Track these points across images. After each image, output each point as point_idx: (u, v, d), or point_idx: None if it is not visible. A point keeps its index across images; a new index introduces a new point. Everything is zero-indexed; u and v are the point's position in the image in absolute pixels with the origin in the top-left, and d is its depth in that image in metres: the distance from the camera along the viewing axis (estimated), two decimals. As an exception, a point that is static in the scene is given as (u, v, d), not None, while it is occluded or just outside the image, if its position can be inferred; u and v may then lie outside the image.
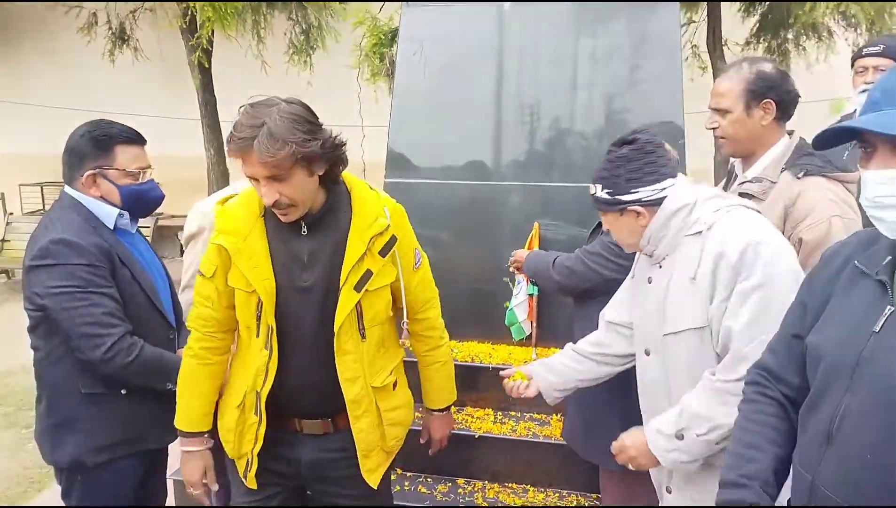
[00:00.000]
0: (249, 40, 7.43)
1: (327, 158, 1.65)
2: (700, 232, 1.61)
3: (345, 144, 1.72)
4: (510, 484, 2.91)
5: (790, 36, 6.52)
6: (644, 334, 1.80)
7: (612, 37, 3.43)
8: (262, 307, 1.70)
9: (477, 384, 3.12)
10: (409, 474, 2.99)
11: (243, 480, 1.85)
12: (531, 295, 3.09)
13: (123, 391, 1.97)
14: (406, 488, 2.90)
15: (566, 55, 3.47)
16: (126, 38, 8.53)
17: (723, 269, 1.54)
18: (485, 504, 2.78)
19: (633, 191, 1.65)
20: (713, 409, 1.53)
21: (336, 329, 1.71)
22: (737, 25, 6.91)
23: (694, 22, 7.01)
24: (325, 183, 1.72)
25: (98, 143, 1.91)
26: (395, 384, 1.91)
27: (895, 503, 1.03)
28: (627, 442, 1.73)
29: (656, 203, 1.65)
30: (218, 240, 1.72)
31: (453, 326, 3.35)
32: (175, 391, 1.90)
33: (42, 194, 9.74)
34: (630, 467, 1.76)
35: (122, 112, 2.31)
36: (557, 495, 2.85)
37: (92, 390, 1.93)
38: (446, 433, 2.14)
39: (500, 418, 3.06)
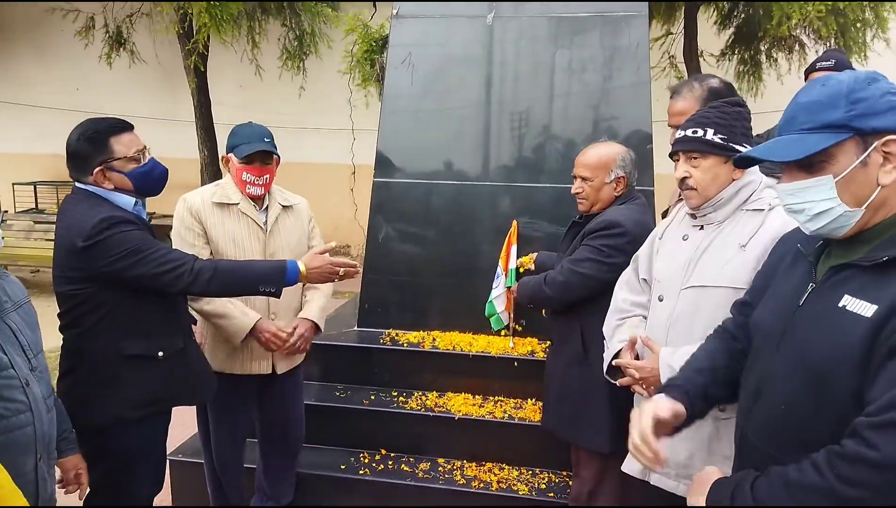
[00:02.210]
0: (244, 45, 7.63)
1: None
2: (762, 209, 1.79)
3: None
4: (487, 463, 3.13)
5: (763, 48, 6.80)
6: (663, 283, 1.94)
7: (586, 49, 3.68)
8: None
9: (458, 370, 3.34)
10: (392, 454, 3.20)
11: None
12: (509, 288, 3.30)
13: (161, 354, 2.13)
14: (390, 467, 3.11)
15: (544, 66, 3.72)
16: (123, 41, 8.72)
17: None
18: (462, 482, 2.99)
19: (743, 145, 1.79)
20: None
21: None
22: (712, 37, 7.20)
23: (671, 34, 7.31)
24: None
25: (93, 141, 2.07)
26: None
27: (803, 445, 1.23)
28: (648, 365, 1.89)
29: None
30: None
31: (436, 317, 3.61)
32: (271, 291, 2.12)
33: (35, 193, 9.90)
34: (635, 376, 1.92)
35: (118, 114, 2.47)
36: (531, 472, 3.07)
37: (133, 352, 2.09)
38: None
39: (478, 401, 3.27)
